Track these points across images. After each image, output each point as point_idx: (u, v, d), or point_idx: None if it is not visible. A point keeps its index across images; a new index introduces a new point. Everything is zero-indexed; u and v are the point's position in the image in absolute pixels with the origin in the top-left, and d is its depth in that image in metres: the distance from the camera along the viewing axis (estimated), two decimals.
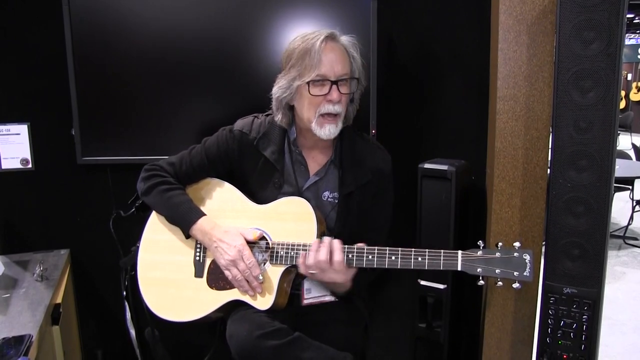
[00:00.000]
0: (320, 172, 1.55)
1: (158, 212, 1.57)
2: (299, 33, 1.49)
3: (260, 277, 1.43)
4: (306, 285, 1.53)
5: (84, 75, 1.97)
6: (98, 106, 2.01)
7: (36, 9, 2.03)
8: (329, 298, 1.54)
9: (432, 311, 1.88)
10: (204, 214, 1.51)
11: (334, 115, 1.45)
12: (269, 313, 1.43)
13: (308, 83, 1.42)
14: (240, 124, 1.58)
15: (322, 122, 1.45)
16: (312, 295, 1.53)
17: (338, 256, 1.36)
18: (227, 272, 1.45)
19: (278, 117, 1.53)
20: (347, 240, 1.49)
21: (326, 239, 1.39)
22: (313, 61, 1.41)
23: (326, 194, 1.55)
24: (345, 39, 1.48)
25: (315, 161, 1.56)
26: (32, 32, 2.05)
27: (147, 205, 1.59)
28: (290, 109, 1.52)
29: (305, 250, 1.41)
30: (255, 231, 1.47)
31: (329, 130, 1.46)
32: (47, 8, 2.00)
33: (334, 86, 1.43)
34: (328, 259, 1.36)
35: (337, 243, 1.37)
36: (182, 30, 1.97)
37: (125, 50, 1.97)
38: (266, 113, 1.59)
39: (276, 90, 1.50)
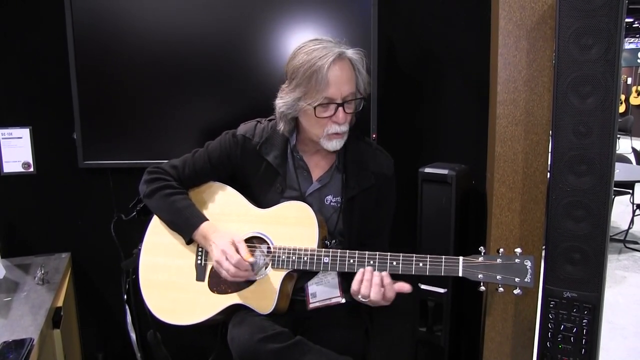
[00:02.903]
0: (324, 178, 1.55)
1: (159, 216, 1.57)
2: (304, 44, 1.45)
3: (248, 264, 1.40)
4: (311, 290, 1.53)
5: (86, 79, 1.98)
6: (99, 110, 2.02)
7: (38, 13, 2.04)
8: (335, 300, 1.54)
9: (433, 315, 1.88)
10: (207, 219, 1.51)
11: (342, 132, 1.46)
12: (270, 317, 1.43)
13: (315, 107, 1.41)
14: (243, 128, 1.58)
15: (330, 137, 1.46)
16: (317, 299, 1.54)
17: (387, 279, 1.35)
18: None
19: (280, 127, 1.52)
20: (350, 244, 1.50)
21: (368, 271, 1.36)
22: (320, 85, 1.38)
23: (329, 197, 1.55)
24: (352, 53, 1.44)
25: (318, 166, 1.57)
26: (34, 36, 2.06)
27: (148, 210, 1.60)
28: (294, 119, 1.52)
29: (307, 254, 1.41)
30: (248, 253, 1.44)
31: (336, 143, 1.46)
32: (49, 12, 2.01)
33: (340, 108, 1.42)
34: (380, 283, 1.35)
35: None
36: (184, 35, 1.98)
37: (127, 54, 1.98)
38: (269, 118, 1.59)
39: (280, 105, 1.48)
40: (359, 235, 1.55)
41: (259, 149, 1.54)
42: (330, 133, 1.45)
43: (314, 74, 1.38)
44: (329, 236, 1.52)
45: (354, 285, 1.36)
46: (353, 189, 1.52)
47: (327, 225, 1.52)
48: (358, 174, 1.53)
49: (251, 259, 1.42)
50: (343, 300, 1.54)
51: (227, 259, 1.41)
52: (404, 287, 1.37)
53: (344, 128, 1.45)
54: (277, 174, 1.53)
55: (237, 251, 1.42)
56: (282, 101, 1.47)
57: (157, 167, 1.59)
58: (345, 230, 1.54)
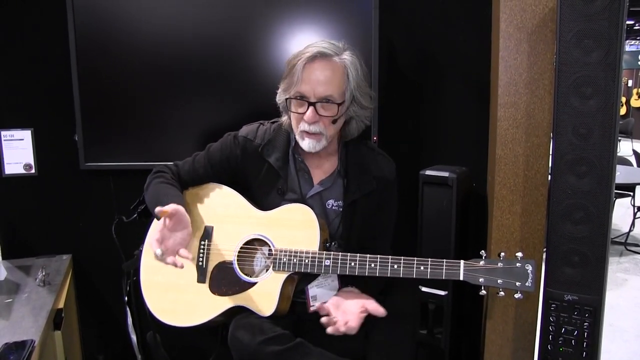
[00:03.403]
0: (325, 182, 1.55)
1: (149, 207, 1.56)
2: (308, 42, 1.47)
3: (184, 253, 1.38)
4: (311, 292, 1.53)
5: (88, 81, 1.99)
6: (101, 112, 2.02)
7: (40, 15, 2.05)
8: None
9: (433, 317, 1.88)
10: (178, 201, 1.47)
11: (313, 133, 1.45)
12: (271, 319, 1.43)
13: (287, 100, 1.45)
14: (245, 130, 1.59)
15: (302, 135, 1.46)
16: (318, 302, 1.54)
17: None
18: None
19: (283, 119, 1.55)
20: (351, 248, 1.50)
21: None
22: (294, 78, 1.41)
23: (330, 202, 1.55)
24: (345, 56, 1.44)
25: (320, 169, 1.57)
26: (35, 38, 2.07)
27: (149, 212, 1.60)
28: None
29: (308, 257, 1.42)
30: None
31: (308, 144, 1.46)
32: (51, 14, 2.01)
33: (311, 107, 1.42)
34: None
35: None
36: (186, 37, 1.98)
37: (128, 56, 1.98)
38: (272, 120, 1.60)
39: (277, 96, 1.52)
40: (360, 239, 1.55)
41: (260, 150, 1.54)
42: (301, 130, 1.45)
43: (293, 68, 1.42)
44: (330, 239, 1.52)
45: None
46: (354, 193, 1.52)
47: (329, 229, 1.53)
48: (359, 179, 1.53)
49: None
50: None
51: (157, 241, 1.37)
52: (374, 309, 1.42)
53: (314, 128, 1.44)
54: (278, 176, 1.54)
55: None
56: (278, 93, 1.51)
57: (161, 166, 1.61)
58: (346, 234, 1.54)
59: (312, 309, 1.53)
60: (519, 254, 1.32)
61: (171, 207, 1.38)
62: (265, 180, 1.55)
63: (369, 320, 1.62)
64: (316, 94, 1.42)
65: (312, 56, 1.41)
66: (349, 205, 1.53)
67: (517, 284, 1.30)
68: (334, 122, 1.46)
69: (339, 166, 1.56)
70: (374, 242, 1.56)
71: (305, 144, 1.46)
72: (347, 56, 1.45)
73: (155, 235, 1.37)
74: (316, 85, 1.41)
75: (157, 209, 1.36)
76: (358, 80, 1.46)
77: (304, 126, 1.44)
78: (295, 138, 1.55)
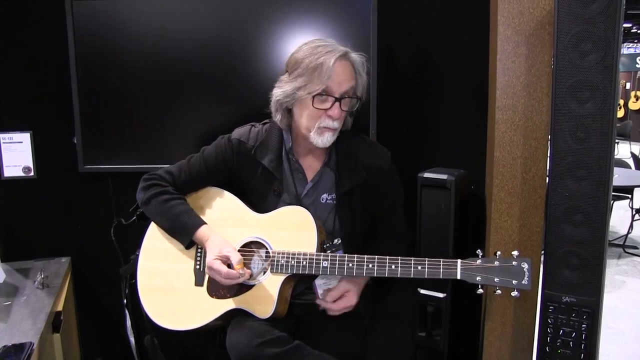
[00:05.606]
0: (315, 177, 1.57)
1: (157, 223, 1.57)
2: (308, 41, 1.49)
3: (238, 273, 1.41)
4: (317, 282, 1.53)
5: (87, 84, 1.99)
6: (100, 115, 2.03)
7: (40, 19, 2.06)
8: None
9: (432, 320, 1.88)
10: (204, 223, 1.52)
11: (334, 128, 1.48)
12: (269, 321, 1.43)
13: (313, 97, 1.44)
14: (237, 132, 1.59)
15: (321, 131, 1.47)
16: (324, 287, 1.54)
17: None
18: None
19: (277, 118, 1.55)
20: (353, 241, 1.50)
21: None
22: (323, 77, 1.42)
23: (324, 196, 1.56)
24: (355, 57, 1.49)
25: (312, 167, 1.58)
26: (35, 41, 2.07)
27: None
28: (289, 111, 1.54)
29: (306, 258, 1.42)
30: (238, 263, 1.44)
31: (327, 139, 1.48)
32: (50, 18, 2.02)
33: (337, 103, 1.45)
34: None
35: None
36: (183, 41, 1.99)
37: (127, 59, 1.99)
38: (263, 122, 1.61)
39: (278, 93, 1.51)
40: (362, 232, 1.56)
41: (254, 152, 1.55)
42: (322, 126, 1.46)
43: (318, 66, 1.42)
44: (329, 236, 1.52)
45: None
46: (345, 184, 1.54)
47: (326, 224, 1.53)
48: (349, 170, 1.55)
49: (240, 271, 1.42)
50: None
51: (217, 274, 1.43)
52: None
53: (337, 124, 1.47)
54: (273, 177, 1.54)
55: (229, 259, 1.43)
56: (280, 90, 1.50)
57: (153, 174, 1.59)
58: (346, 229, 1.54)
59: (318, 300, 1.53)
60: (515, 253, 1.33)
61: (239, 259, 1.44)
62: (261, 182, 1.55)
63: (368, 320, 1.62)
64: (341, 90, 1.45)
65: (341, 55, 1.44)
66: (341, 197, 1.54)
67: (514, 282, 1.31)
68: (349, 114, 1.54)
69: (327, 158, 1.57)
70: (389, 219, 1.61)
71: (324, 139, 1.48)
72: (353, 53, 1.50)
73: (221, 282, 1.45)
74: (342, 82, 1.45)
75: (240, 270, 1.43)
76: (366, 78, 1.52)
77: (327, 122, 1.46)
78: (289, 139, 1.56)
